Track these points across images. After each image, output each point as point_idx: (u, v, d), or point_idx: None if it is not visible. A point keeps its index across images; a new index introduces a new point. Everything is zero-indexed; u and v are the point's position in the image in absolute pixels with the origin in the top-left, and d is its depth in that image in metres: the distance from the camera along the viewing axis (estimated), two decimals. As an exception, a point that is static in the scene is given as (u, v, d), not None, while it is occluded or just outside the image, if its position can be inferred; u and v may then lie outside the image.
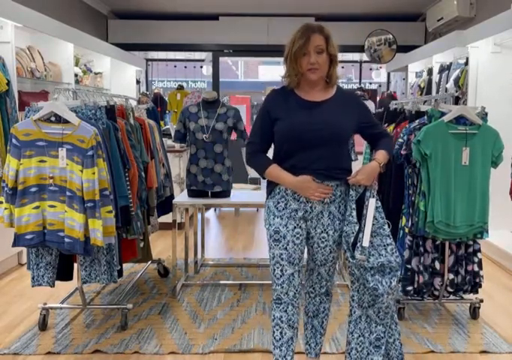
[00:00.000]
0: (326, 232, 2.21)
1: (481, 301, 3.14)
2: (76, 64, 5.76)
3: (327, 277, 2.32)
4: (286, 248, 2.16)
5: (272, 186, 2.23)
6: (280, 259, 2.17)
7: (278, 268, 2.18)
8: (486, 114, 3.01)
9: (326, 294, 2.36)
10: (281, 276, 2.17)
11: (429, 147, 2.81)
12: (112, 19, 8.14)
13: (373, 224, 2.16)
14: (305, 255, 2.30)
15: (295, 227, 2.18)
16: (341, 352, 2.71)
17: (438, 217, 2.82)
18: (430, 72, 6.40)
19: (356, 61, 10.47)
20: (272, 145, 2.28)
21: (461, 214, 2.86)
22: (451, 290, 3.05)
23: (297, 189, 2.14)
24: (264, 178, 2.26)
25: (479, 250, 3.08)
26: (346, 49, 8.63)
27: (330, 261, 2.28)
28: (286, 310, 2.19)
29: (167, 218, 3.87)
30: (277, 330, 2.20)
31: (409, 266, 2.99)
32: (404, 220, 3.04)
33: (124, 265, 3.24)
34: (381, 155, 2.21)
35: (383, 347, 2.21)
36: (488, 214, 2.94)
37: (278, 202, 2.20)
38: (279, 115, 2.17)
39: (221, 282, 3.79)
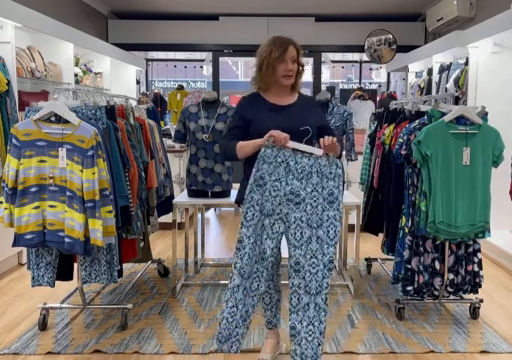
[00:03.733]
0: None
1: (481, 301, 3.14)
2: (76, 64, 5.76)
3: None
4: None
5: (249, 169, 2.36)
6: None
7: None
8: (487, 114, 3.01)
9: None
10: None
11: (430, 147, 2.81)
12: (112, 19, 8.14)
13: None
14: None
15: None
16: (342, 352, 2.72)
17: (439, 217, 2.82)
18: (430, 72, 6.40)
19: (356, 61, 10.46)
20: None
21: (462, 214, 2.86)
22: (451, 290, 3.05)
23: (274, 138, 2.24)
24: (238, 160, 2.43)
25: (479, 250, 3.09)
26: (346, 49, 8.64)
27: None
28: (272, 279, 2.53)
29: (167, 218, 3.87)
30: (266, 296, 2.56)
31: (409, 266, 3.00)
32: (404, 220, 3.04)
33: (125, 265, 3.24)
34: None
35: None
36: (489, 214, 2.94)
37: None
38: (253, 117, 2.42)
39: (221, 282, 3.79)
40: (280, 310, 2.67)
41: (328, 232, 2.27)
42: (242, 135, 2.43)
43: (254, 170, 2.27)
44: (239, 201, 2.46)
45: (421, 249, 3.00)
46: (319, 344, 2.28)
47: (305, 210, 2.27)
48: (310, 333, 2.27)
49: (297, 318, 2.28)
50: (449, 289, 3.04)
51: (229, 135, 2.48)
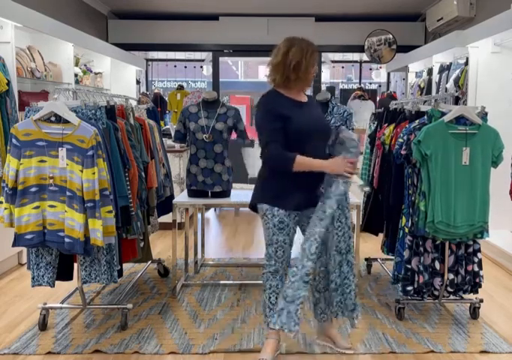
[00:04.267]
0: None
1: (481, 301, 3.14)
2: (76, 64, 5.76)
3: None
4: (288, 234, 2.56)
5: (273, 182, 2.57)
6: (283, 244, 2.57)
7: (280, 250, 2.57)
8: (486, 114, 3.01)
9: (338, 273, 2.61)
10: (282, 255, 2.58)
11: (430, 147, 2.81)
12: (112, 19, 8.14)
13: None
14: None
15: (295, 216, 2.58)
16: (342, 352, 2.71)
17: (438, 217, 2.82)
18: (430, 72, 6.40)
19: (356, 61, 10.46)
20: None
21: (461, 214, 2.86)
22: (451, 290, 3.05)
23: (329, 166, 2.48)
24: (290, 171, 2.46)
25: (479, 250, 3.09)
26: (346, 49, 8.64)
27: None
28: (281, 279, 2.62)
29: (167, 218, 3.87)
30: (273, 296, 2.61)
31: (409, 266, 2.99)
32: (404, 220, 3.04)
33: (125, 265, 3.24)
34: None
35: None
36: (488, 214, 2.94)
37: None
38: (287, 114, 2.46)
39: (221, 282, 3.79)
40: None
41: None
42: (284, 137, 2.46)
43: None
44: (259, 201, 2.60)
45: (421, 249, 3.00)
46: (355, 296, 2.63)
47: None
48: (347, 286, 2.61)
49: (335, 274, 2.60)
50: (449, 289, 3.04)
51: (274, 142, 2.45)
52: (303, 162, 2.44)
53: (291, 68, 2.46)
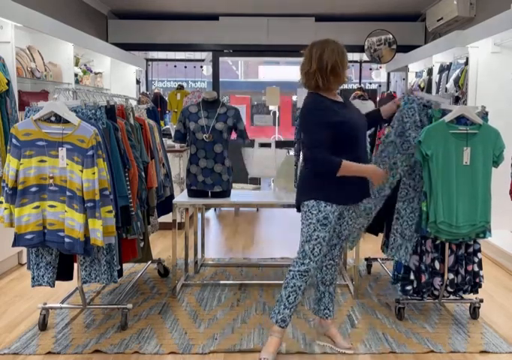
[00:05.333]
0: (355, 212, 2.76)
1: (481, 301, 3.14)
2: (76, 64, 5.76)
3: (342, 249, 2.81)
4: (329, 232, 2.59)
5: (317, 180, 2.60)
6: (322, 240, 2.57)
7: (318, 247, 2.57)
8: (487, 113, 3.01)
9: (337, 264, 2.83)
10: (318, 254, 2.58)
11: (431, 147, 2.81)
12: (112, 19, 8.14)
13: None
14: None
15: (339, 214, 2.68)
16: (342, 352, 2.71)
17: (440, 218, 2.82)
18: (430, 72, 6.40)
19: (356, 61, 10.44)
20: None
21: (463, 214, 2.86)
22: (451, 290, 3.05)
23: (371, 175, 2.57)
24: (334, 175, 2.51)
25: (479, 250, 3.09)
26: (346, 49, 8.61)
27: (348, 235, 2.80)
28: (306, 281, 2.61)
29: (167, 218, 3.87)
30: (293, 294, 2.59)
31: (409, 266, 2.99)
32: (404, 220, 3.04)
33: (125, 265, 3.24)
34: None
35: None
36: (490, 214, 2.94)
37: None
38: (336, 116, 2.52)
39: (221, 282, 3.79)
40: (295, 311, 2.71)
41: None
42: (333, 140, 2.51)
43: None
44: (306, 198, 2.63)
45: (422, 248, 3.00)
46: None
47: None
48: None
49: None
50: (449, 289, 3.04)
51: (319, 146, 2.48)
52: (348, 165, 2.49)
53: (328, 71, 2.53)
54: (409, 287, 3.02)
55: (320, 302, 2.82)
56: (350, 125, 2.55)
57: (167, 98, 9.91)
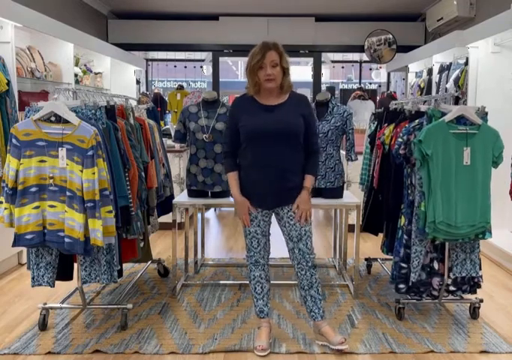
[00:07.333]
0: (293, 211, 2.69)
1: (481, 301, 3.14)
2: (76, 64, 5.76)
3: (308, 250, 2.72)
4: (259, 225, 2.73)
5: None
6: (255, 234, 2.73)
7: (254, 240, 2.74)
8: (486, 114, 3.01)
9: (314, 267, 2.75)
10: (257, 246, 2.75)
11: (430, 147, 2.81)
12: (112, 19, 8.14)
13: None
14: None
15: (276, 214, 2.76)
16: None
17: (439, 218, 2.82)
18: (430, 72, 6.40)
19: (356, 61, 10.47)
20: None
21: (462, 215, 2.85)
22: (453, 289, 3.05)
23: (235, 204, 2.75)
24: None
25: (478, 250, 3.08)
26: (346, 49, 8.64)
27: (304, 235, 2.70)
28: (263, 269, 2.79)
29: (167, 218, 3.87)
30: (258, 285, 2.79)
31: (404, 265, 3.00)
32: (403, 219, 3.04)
33: (125, 265, 3.24)
34: (309, 182, 2.71)
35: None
36: (490, 214, 2.93)
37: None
38: (243, 117, 2.65)
39: (221, 282, 3.79)
40: (270, 300, 2.89)
41: None
42: (236, 140, 2.70)
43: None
44: None
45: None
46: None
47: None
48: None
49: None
50: (451, 288, 3.04)
51: (225, 139, 2.78)
52: (230, 179, 2.75)
53: (246, 74, 2.65)
54: (402, 285, 3.02)
55: (305, 305, 2.82)
56: (252, 125, 2.62)
57: (166, 98, 9.92)
